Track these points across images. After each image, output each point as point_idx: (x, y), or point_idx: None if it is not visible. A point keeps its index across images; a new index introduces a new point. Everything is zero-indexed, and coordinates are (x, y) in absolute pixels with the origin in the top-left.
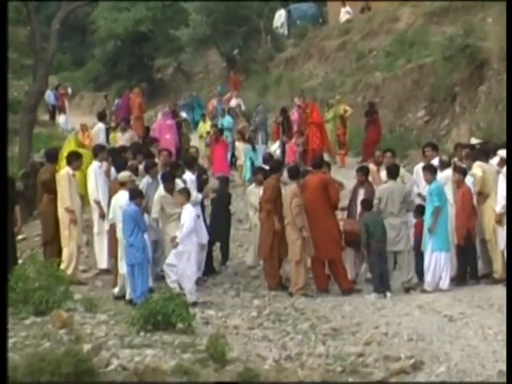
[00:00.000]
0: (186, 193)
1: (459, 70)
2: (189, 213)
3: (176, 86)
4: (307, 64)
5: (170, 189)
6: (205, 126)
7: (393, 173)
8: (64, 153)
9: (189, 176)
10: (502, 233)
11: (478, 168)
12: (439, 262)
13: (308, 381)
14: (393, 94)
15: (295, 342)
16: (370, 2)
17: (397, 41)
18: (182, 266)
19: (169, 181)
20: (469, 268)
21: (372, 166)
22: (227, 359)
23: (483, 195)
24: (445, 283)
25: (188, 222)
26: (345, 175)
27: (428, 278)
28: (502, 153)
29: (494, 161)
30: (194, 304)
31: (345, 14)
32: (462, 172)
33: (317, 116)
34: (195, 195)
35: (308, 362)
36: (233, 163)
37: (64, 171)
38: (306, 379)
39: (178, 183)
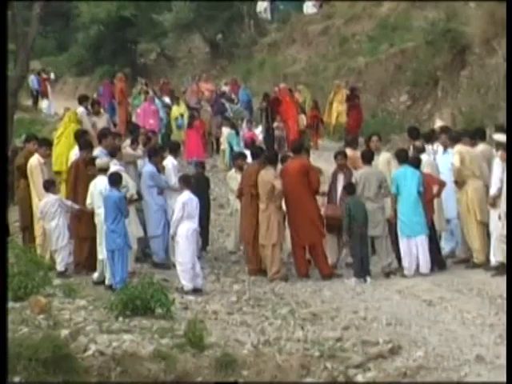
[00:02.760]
0: (184, 179)
1: (441, 54)
2: (178, 200)
3: (159, 71)
4: (290, 49)
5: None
6: (178, 109)
7: (368, 158)
8: (64, 132)
9: (171, 161)
10: (495, 216)
11: (456, 156)
12: (413, 248)
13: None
14: (375, 78)
15: (274, 326)
16: None
17: (379, 25)
18: (175, 255)
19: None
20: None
21: (350, 151)
22: (205, 344)
23: (459, 183)
24: (423, 268)
25: (176, 211)
26: (327, 160)
27: (405, 263)
28: (498, 137)
29: (480, 146)
30: (190, 292)
31: (311, 7)
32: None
33: (292, 102)
34: (175, 181)
35: (286, 346)
36: (214, 148)
37: (35, 159)
38: (284, 364)
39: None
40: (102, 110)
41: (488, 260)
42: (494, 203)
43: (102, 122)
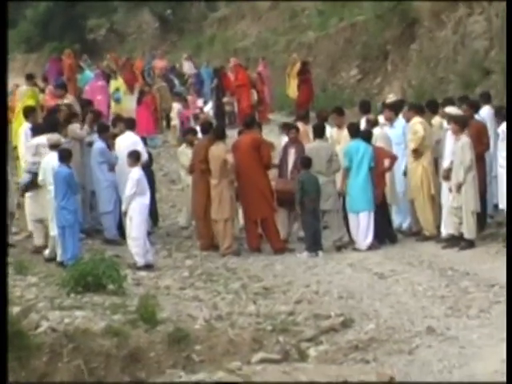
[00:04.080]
0: (134, 155)
1: (391, 28)
2: (131, 177)
3: (109, 47)
4: (240, 23)
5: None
6: (115, 83)
7: (319, 132)
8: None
9: (131, 137)
10: (446, 189)
11: (419, 125)
12: (358, 222)
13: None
14: (325, 52)
15: (226, 301)
16: None
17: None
18: (128, 230)
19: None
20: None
21: (301, 125)
22: (158, 320)
23: (418, 153)
24: (363, 243)
25: (129, 186)
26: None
27: (354, 237)
28: (450, 110)
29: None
30: (142, 267)
31: None
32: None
33: (242, 77)
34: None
35: (239, 321)
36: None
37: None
38: (236, 338)
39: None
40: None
41: (439, 233)
42: (447, 176)
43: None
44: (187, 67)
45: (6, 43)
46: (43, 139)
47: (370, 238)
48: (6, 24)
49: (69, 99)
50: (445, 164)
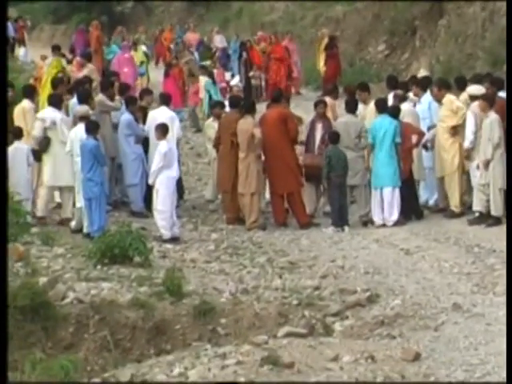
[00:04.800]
0: (162, 128)
1: (419, 3)
2: (158, 150)
3: (136, 19)
4: None
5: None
6: (136, 55)
7: (351, 107)
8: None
9: (167, 113)
10: (471, 167)
11: (458, 102)
12: (383, 198)
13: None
14: (353, 27)
15: (252, 275)
16: None
17: None
18: (154, 203)
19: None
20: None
21: (329, 100)
22: (184, 292)
23: (456, 130)
24: (390, 219)
25: (157, 160)
26: (305, 109)
27: (374, 213)
28: (472, 90)
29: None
30: (169, 240)
31: None
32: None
33: (279, 50)
34: (176, 132)
35: (264, 295)
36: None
37: (27, 104)
38: (262, 312)
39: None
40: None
41: (465, 209)
42: (468, 156)
43: (83, 73)
44: (218, 40)
45: (5, 43)
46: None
47: (395, 215)
48: (5, 24)
49: (88, 68)
50: (466, 144)
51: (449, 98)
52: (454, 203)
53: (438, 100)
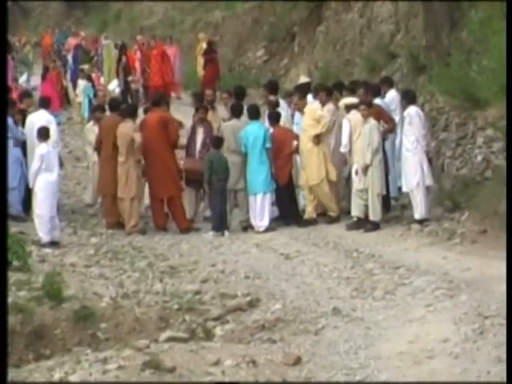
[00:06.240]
0: (43, 131)
1: (298, 9)
2: (36, 152)
3: (13, 21)
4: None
5: None
6: None
7: (237, 111)
8: None
9: (45, 116)
10: (345, 172)
11: (328, 111)
12: (257, 204)
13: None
14: (232, 32)
15: (132, 279)
16: None
17: None
18: (33, 206)
19: None
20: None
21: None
22: (63, 297)
23: (319, 138)
24: (260, 224)
25: (35, 161)
26: (184, 113)
27: (252, 219)
28: (347, 101)
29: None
30: (47, 244)
31: None
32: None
33: (158, 54)
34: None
35: (145, 299)
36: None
37: None
38: (142, 317)
39: None
40: None
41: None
42: (345, 161)
43: None
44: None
45: (5, 43)
46: None
47: (266, 220)
48: (5, 24)
49: None
50: (341, 149)
51: (310, 107)
52: (330, 208)
53: (299, 109)
